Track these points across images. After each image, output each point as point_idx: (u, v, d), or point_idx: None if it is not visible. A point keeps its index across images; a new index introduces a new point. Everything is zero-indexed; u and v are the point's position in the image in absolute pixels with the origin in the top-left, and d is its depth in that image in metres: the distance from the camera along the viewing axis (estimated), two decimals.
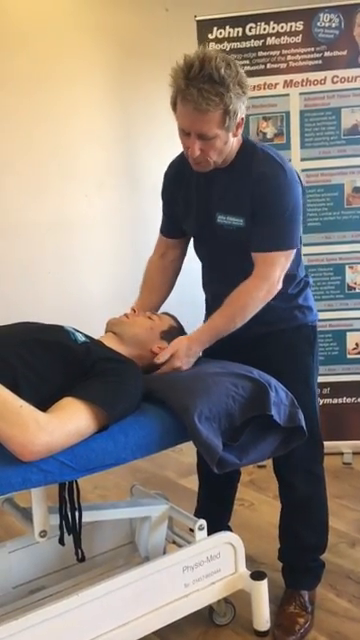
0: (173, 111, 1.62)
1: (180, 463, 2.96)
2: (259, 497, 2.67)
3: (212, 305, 1.85)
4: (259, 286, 1.68)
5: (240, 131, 1.65)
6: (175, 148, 1.93)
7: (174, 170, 1.86)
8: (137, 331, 1.72)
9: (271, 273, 1.68)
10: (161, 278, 1.96)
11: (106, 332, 1.74)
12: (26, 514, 1.63)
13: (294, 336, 1.83)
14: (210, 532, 1.76)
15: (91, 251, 3.40)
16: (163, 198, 1.94)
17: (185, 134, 1.62)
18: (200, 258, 1.93)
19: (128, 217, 3.39)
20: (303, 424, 1.65)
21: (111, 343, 1.65)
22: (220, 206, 1.73)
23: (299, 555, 1.94)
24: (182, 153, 1.79)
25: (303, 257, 2.84)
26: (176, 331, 1.79)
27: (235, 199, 1.70)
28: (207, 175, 1.72)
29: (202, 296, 1.98)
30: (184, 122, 1.59)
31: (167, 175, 1.90)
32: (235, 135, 1.64)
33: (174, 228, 1.93)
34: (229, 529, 1.98)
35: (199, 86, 1.50)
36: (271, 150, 1.73)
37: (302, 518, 1.91)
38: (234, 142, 1.67)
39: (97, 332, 1.74)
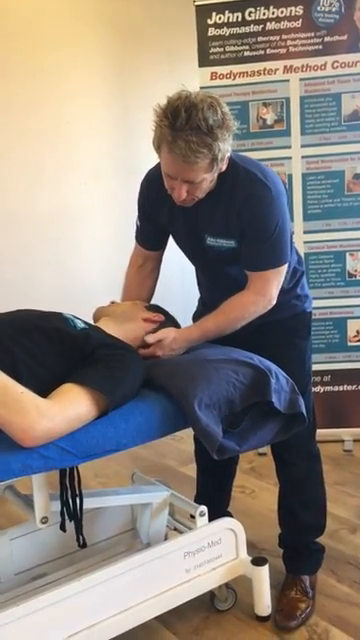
0: (156, 152, 1.58)
1: (180, 451, 2.97)
2: (260, 484, 2.68)
3: (208, 303, 1.86)
4: (256, 302, 1.70)
5: (225, 165, 1.60)
6: None
7: (154, 187, 1.76)
8: (123, 307, 1.78)
9: (267, 290, 1.70)
10: (140, 292, 1.94)
11: (97, 321, 1.74)
12: (27, 501, 1.63)
13: (292, 323, 1.86)
14: (210, 518, 1.77)
15: (90, 239, 3.39)
16: (142, 210, 1.88)
17: (171, 178, 1.58)
18: (192, 263, 1.93)
19: (127, 205, 3.34)
20: (303, 410, 1.65)
21: (107, 327, 1.65)
22: (209, 229, 1.72)
23: (298, 536, 1.95)
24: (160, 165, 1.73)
25: (303, 244, 2.89)
26: (155, 305, 1.84)
27: (224, 222, 1.69)
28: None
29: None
30: (170, 169, 1.56)
31: (147, 190, 1.82)
32: (221, 170, 1.60)
33: (155, 240, 1.91)
34: (229, 515, 1.99)
35: (187, 138, 1.45)
36: (252, 165, 1.69)
37: (300, 497, 1.93)
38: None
39: None
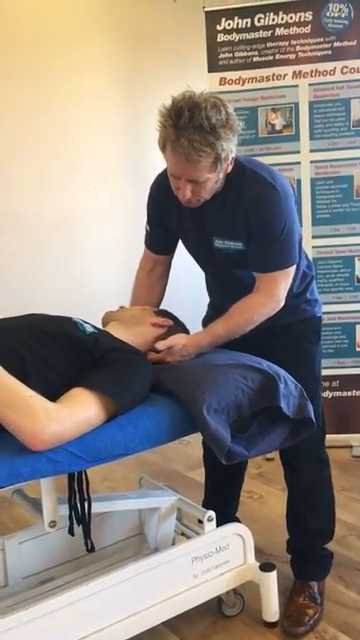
0: (161, 152, 1.60)
1: (188, 456, 2.96)
2: (268, 489, 2.67)
3: (218, 307, 1.86)
4: (265, 304, 1.70)
5: (231, 166, 1.62)
6: None
7: (163, 191, 1.78)
8: (133, 312, 1.78)
9: (275, 292, 1.69)
10: (149, 297, 1.95)
11: (105, 325, 1.75)
12: (36, 505, 1.63)
13: (302, 327, 1.86)
14: (218, 523, 1.76)
15: (98, 243, 3.40)
16: (151, 214, 1.90)
17: (175, 177, 1.60)
18: (201, 268, 1.93)
19: (135, 209, 3.35)
20: (312, 416, 1.65)
21: (116, 332, 1.66)
22: (216, 231, 1.72)
23: (306, 542, 1.94)
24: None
25: (312, 249, 2.89)
26: (165, 310, 1.84)
27: (231, 224, 1.69)
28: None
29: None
30: (174, 169, 1.58)
31: (156, 195, 1.85)
32: (226, 171, 1.62)
33: (164, 244, 1.92)
34: (237, 520, 1.99)
35: (190, 137, 1.47)
36: (259, 167, 1.70)
37: (308, 502, 1.92)
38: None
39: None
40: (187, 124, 1.47)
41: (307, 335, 1.87)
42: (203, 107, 1.48)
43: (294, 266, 1.73)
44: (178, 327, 1.78)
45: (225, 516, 1.87)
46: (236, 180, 1.66)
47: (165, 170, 1.74)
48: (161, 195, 1.81)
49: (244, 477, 2.14)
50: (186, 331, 1.80)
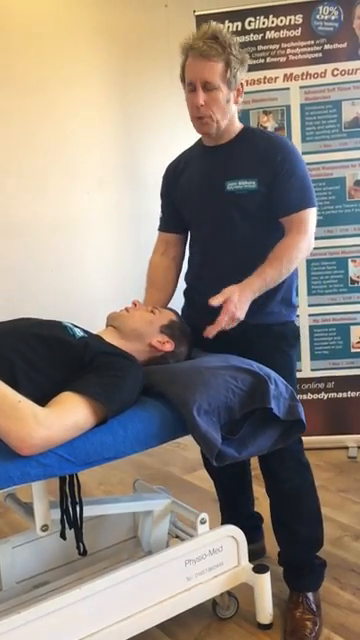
0: (183, 83, 1.75)
1: (185, 459, 2.97)
2: (262, 491, 2.63)
3: (198, 301, 1.76)
4: (302, 239, 1.75)
5: (240, 99, 1.78)
6: (176, 142, 1.93)
7: (174, 164, 1.94)
8: (136, 325, 1.70)
9: (308, 228, 1.76)
10: (165, 277, 1.99)
11: (106, 326, 1.74)
12: (28, 509, 1.63)
13: (282, 330, 1.87)
14: (234, 520, 1.80)
15: (93, 249, 3.41)
16: (162, 194, 2.00)
17: (191, 91, 1.72)
18: (195, 235, 1.93)
19: (130, 214, 3.39)
20: (303, 417, 1.65)
21: (110, 337, 1.65)
22: (229, 172, 1.78)
23: (298, 551, 1.90)
24: (181, 154, 1.90)
25: None
26: (177, 325, 1.76)
27: (245, 162, 1.77)
28: (212, 152, 1.82)
29: None
30: (191, 73, 1.71)
31: (167, 170, 1.97)
32: (236, 101, 1.76)
33: (173, 222, 1.98)
34: (257, 515, 2.08)
35: (205, 40, 1.69)
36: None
37: (295, 511, 1.89)
38: (235, 114, 1.78)
39: (99, 329, 1.73)
40: (204, 34, 1.70)
41: (287, 338, 1.89)
42: (218, 29, 1.72)
43: (316, 210, 1.79)
44: (181, 346, 1.74)
45: (241, 513, 1.94)
46: (248, 133, 1.83)
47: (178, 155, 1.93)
48: (172, 164, 1.95)
49: (250, 473, 2.14)
50: (191, 346, 1.78)
